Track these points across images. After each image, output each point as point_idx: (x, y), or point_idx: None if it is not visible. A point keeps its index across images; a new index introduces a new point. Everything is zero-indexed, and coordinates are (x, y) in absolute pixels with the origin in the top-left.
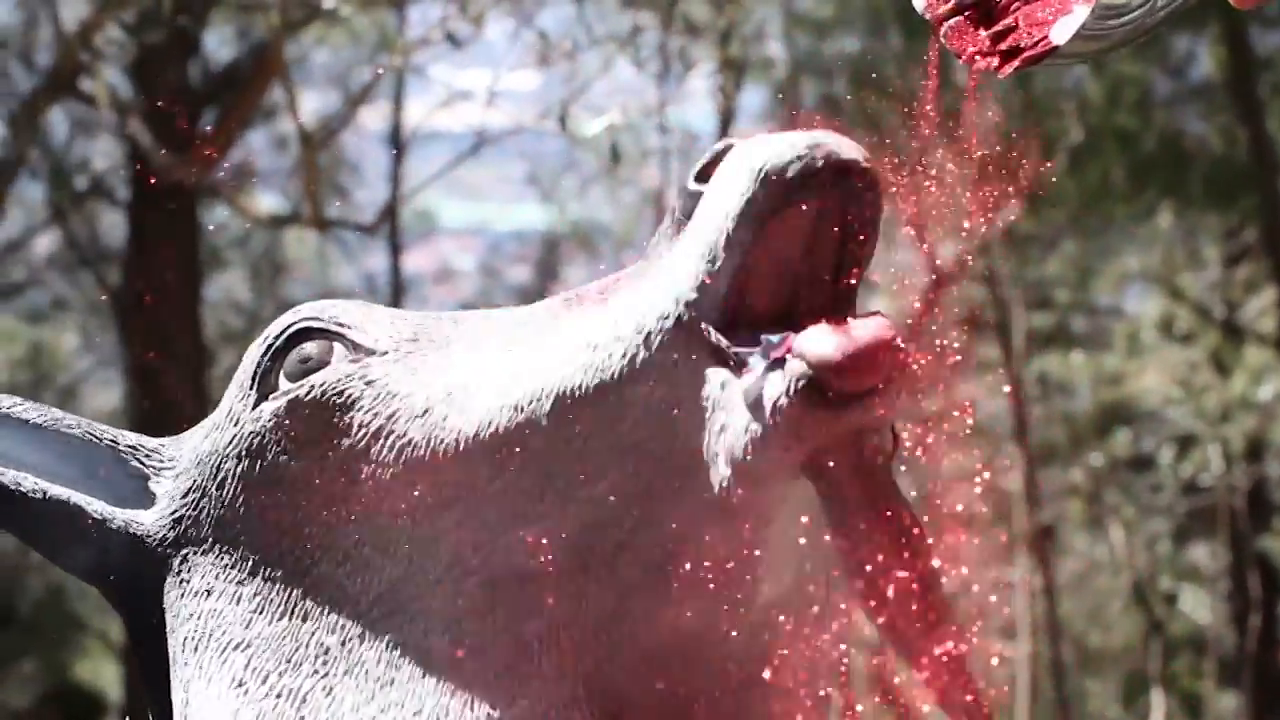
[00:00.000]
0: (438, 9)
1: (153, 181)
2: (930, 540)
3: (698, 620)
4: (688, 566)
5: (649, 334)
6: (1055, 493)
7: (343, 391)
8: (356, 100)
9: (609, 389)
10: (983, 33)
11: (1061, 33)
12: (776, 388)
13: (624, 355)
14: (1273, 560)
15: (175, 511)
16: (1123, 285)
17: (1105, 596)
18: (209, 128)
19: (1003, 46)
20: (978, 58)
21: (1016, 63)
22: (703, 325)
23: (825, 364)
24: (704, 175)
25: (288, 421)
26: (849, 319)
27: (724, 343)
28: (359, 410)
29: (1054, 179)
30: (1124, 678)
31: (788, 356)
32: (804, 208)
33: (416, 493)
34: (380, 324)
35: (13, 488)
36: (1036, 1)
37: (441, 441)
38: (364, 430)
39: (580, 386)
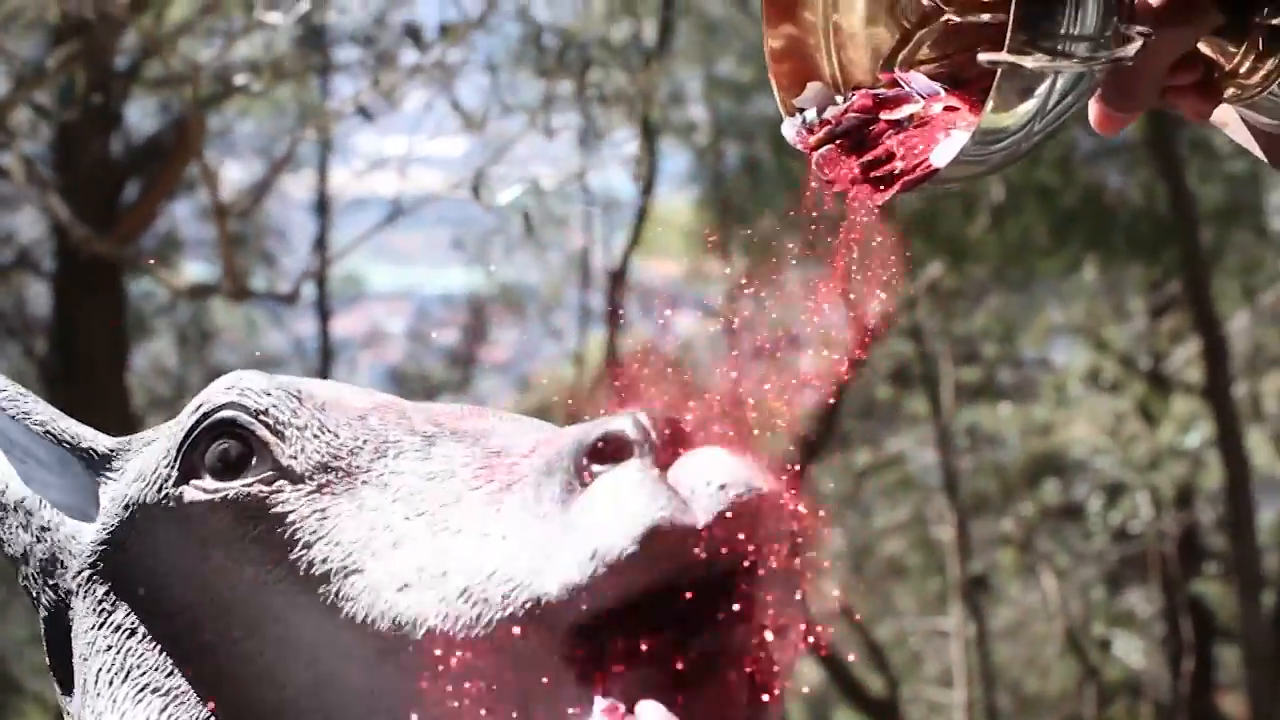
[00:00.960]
0: (361, 79)
1: (75, 254)
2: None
3: None
4: None
5: (512, 615)
6: (987, 542)
7: (254, 514)
8: (276, 169)
9: (470, 645)
10: (854, 160)
11: (942, 157)
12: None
13: (487, 624)
14: (1205, 604)
15: (103, 542)
16: (1049, 338)
17: (1040, 643)
18: (133, 200)
19: (876, 174)
20: (852, 186)
21: (895, 188)
22: (557, 629)
23: None
24: (599, 452)
25: (206, 518)
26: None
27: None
28: (265, 541)
29: (977, 235)
30: None
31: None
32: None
33: (320, 633)
34: (304, 434)
35: None
36: (910, 130)
37: (336, 611)
38: (271, 559)
39: (449, 632)
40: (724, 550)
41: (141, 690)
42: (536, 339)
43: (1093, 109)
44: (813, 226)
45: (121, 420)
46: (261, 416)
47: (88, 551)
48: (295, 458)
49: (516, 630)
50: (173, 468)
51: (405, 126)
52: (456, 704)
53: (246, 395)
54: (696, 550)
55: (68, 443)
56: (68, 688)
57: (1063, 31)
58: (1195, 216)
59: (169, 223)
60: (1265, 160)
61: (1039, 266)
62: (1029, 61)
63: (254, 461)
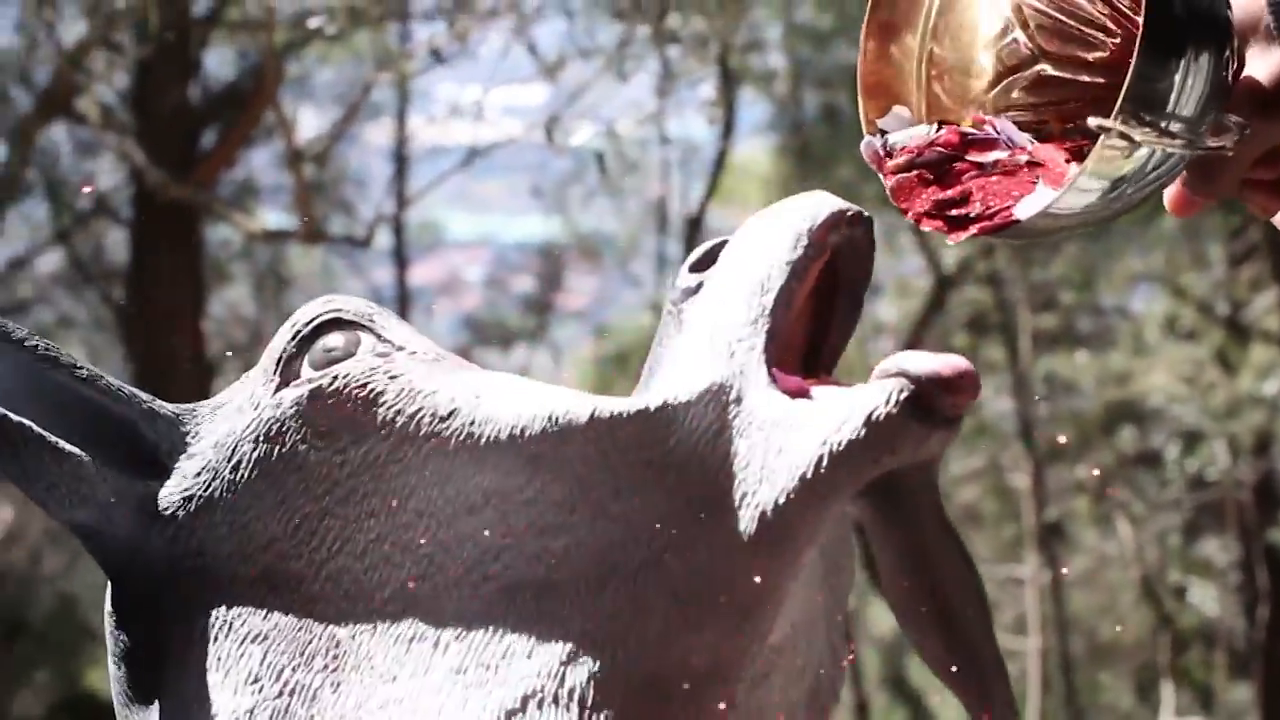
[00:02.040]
0: (439, 25)
1: (152, 201)
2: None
3: (704, 663)
4: (709, 598)
5: (700, 367)
6: (1063, 490)
7: (367, 384)
8: (351, 113)
9: (654, 404)
10: (931, 193)
11: (1025, 210)
12: (873, 400)
13: (672, 383)
14: None
15: (188, 490)
16: (1127, 286)
17: (1115, 591)
18: (210, 147)
19: (951, 212)
20: (924, 219)
21: (971, 230)
22: (759, 355)
23: (935, 379)
24: (699, 268)
25: (309, 411)
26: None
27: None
28: (383, 406)
29: None
30: (1135, 671)
31: (882, 377)
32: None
33: (442, 493)
34: (413, 336)
35: (23, 435)
36: (993, 176)
37: (471, 444)
38: (388, 427)
39: (622, 400)
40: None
41: (243, 641)
42: (614, 287)
43: (1172, 189)
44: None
45: (197, 367)
46: (364, 319)
47: (165, 503)
48: (407, 340)
49: (719, 373)
50: (270, 383)
51: (483, 74)
52: (631, 495)
53: (349, 303)
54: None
55: (127, 402)
56: (132, 656)
57: (1169, 109)
58: None
59: (246, 170)
60: None
61: None
62: (1137, 134)
63: (362, 344)
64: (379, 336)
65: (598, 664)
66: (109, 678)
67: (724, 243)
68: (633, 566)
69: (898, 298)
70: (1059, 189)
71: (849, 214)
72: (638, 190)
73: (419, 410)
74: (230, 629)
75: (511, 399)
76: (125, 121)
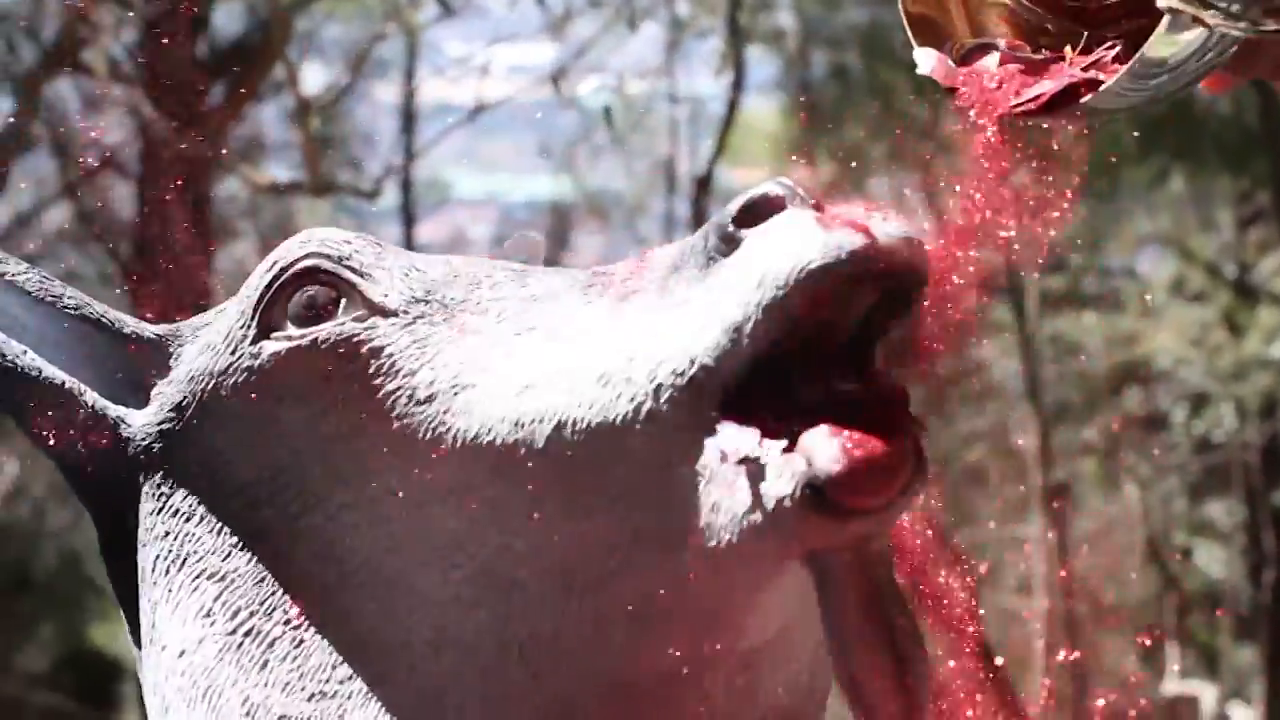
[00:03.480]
0: None
1: (160, 156)
2: (928, 654)
3: (673, 666)
4: (669, 614)
5: (659, 386)
6: (1069, 451)
7: (346, 353)
8: (357, 65)
9: (610, 433)
10: (1006, 83)
11: (1093, 87)
12: (778, 486)
13: (631, 401)
14: None
15: (164, 423)
16: (1135, 247)
17: (1121, 553)
18: (218, 102)
19: (1022, 99)
20: (993, 105)
21: (1039, 106)
22: (709, 394)
23: (830, 476)
24: (744, 217)
25: (288, 369)
26: (863, 425)
27: (728, 422)
28: (359, 379)
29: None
30: (1140, 632)
31: (794, 452)
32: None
33: (411, 477)
34: (392, 274)
35: (9, 363)
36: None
37: (441, 435)
38: (363, 401)
39: (583, 421)
40: (906, 270)
41: (197, 577)
42: (621, 246)
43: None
44: (900, 134)
45: None
46: (345, 261)
47: (142, 435)
48: (386, 295)
49: (665, 406)
50: (249, 326)
51: (491, 31)
52: (583, 516)
53: (326, 244)
54: (890, 258)
55: (108, 326)
56: (121, 584)
57: None
58: None
59: (254, 126)
60: None
61: (1126, 175)
62: (1207, 15)
63: (343, 304)
64: (361, 294)
65: (567, 666)
66: (112, 632)
67: (775, 202)
68: (593, 578)
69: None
70: (1117, 70)
71: (876, 268)
72: (646, 149)
73: (396, 390)
74: (184, 563)
75: (487, 394)
76: (133, 75)
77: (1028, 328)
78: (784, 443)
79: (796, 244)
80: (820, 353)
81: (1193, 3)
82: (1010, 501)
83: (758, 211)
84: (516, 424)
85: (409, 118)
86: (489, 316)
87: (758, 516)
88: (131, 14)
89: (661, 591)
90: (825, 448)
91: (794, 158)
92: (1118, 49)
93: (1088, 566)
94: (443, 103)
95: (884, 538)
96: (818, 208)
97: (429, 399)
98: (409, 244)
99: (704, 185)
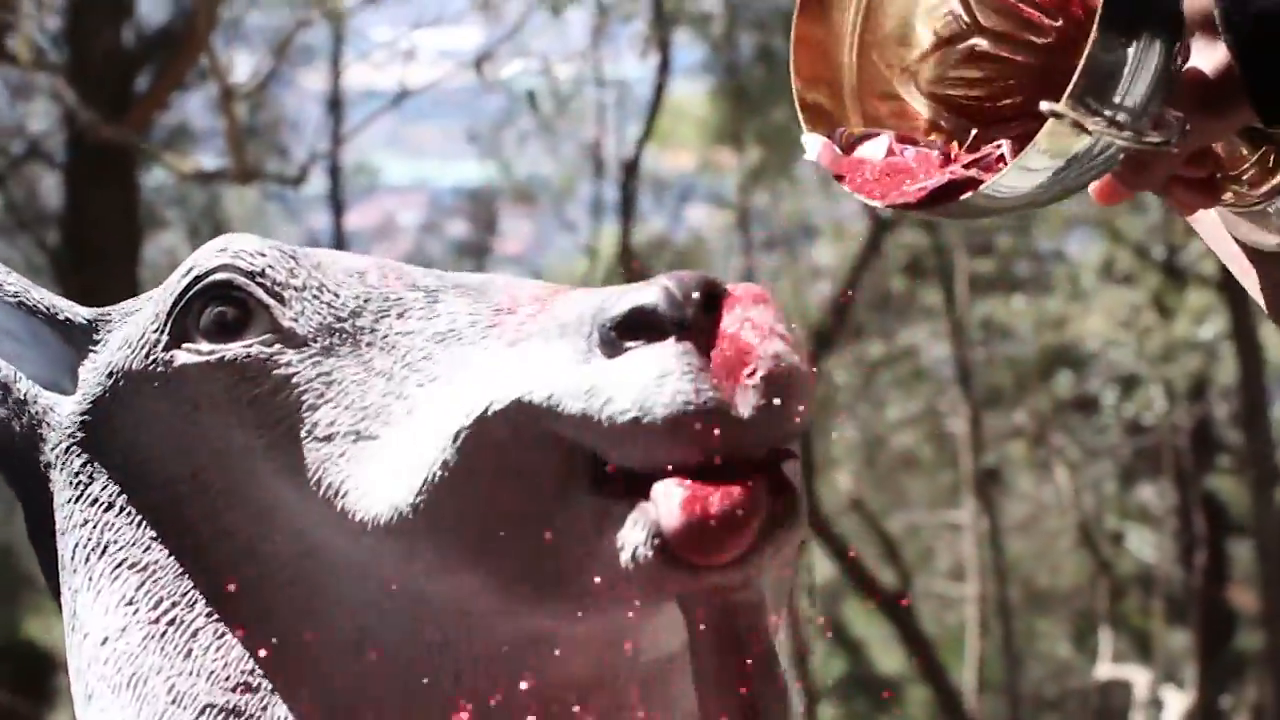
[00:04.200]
0: None
1: (86, 145)
2: (787, 706)
3: (585, 678)
4: (568, 638)
5: (532, 440)
6: (1000, 435)
7: (251, 377)
8: (281, 51)
9: (480, 483)
10: (874, 167)
11: (964, 188)
12: (634, 538)
13: (503, 454)
14: (1218, 499)
15: (84, 413)
16: (1064, 230)
17: (1052, 537)
18: (144, 90)
19: (892, 185)
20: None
21: (910, 199)
22: (578, 452)
23: (671, 533)
24: (626, 326)
25: (198, 383)
26: (717, 473)
27: (593, 472)
28: (263, 404)
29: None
30: (1073, 617)
31: (649, 502)
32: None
33: (311, 504)
34: (303, 296)
35: None
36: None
37: (335, 478)
38: (265, 426)
39: (460, 475)
40: (767, 436)
41: (119, 566)
42: (549, 231)
43: (1100, 179)
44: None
45: None
46: (258, 278)
47: (66, 423)
48: (296, 320)
49: (534, 460)
50: (162, 332)
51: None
52: (460, 567)
53: (240, 257)
54: (737, 440)
55: (42, 312)
56: (50, 571)
57: (1117, 98)
58: None
59: (180, 115)
60: (1234, 274)
61: None
62: (1088, 122)
63: (252, 324)
64: (271, 316)
65: (486, 671)
66: (46, 625)
67: (656, 320)
68: (482, 615)
69: (835, 241)
70: (1000, 170)
71: (693, 444)
72: (572, 134)
73: (296, 424)
74: (105, 551)
75: (381, 449)
76: (58, 63)
77: (957, 311)
78: (642, 496)
79: (649, 397)
80: None
81: (1078, 109)
82: (942, 486)
83: (642, 324)
84: (402, 478)
85: (335, 104)
86: (394, 355)
87: (622, 566)
88: (57, 1)
89: (545, 630)
90: (666, 502)
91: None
92: (1003, 149)
93: (1020, 551)
94: (369, 88)
95: (750, 585)
96: (702, 328)
97: (328, 438)
98: (338, 231)
99: (631, 169)
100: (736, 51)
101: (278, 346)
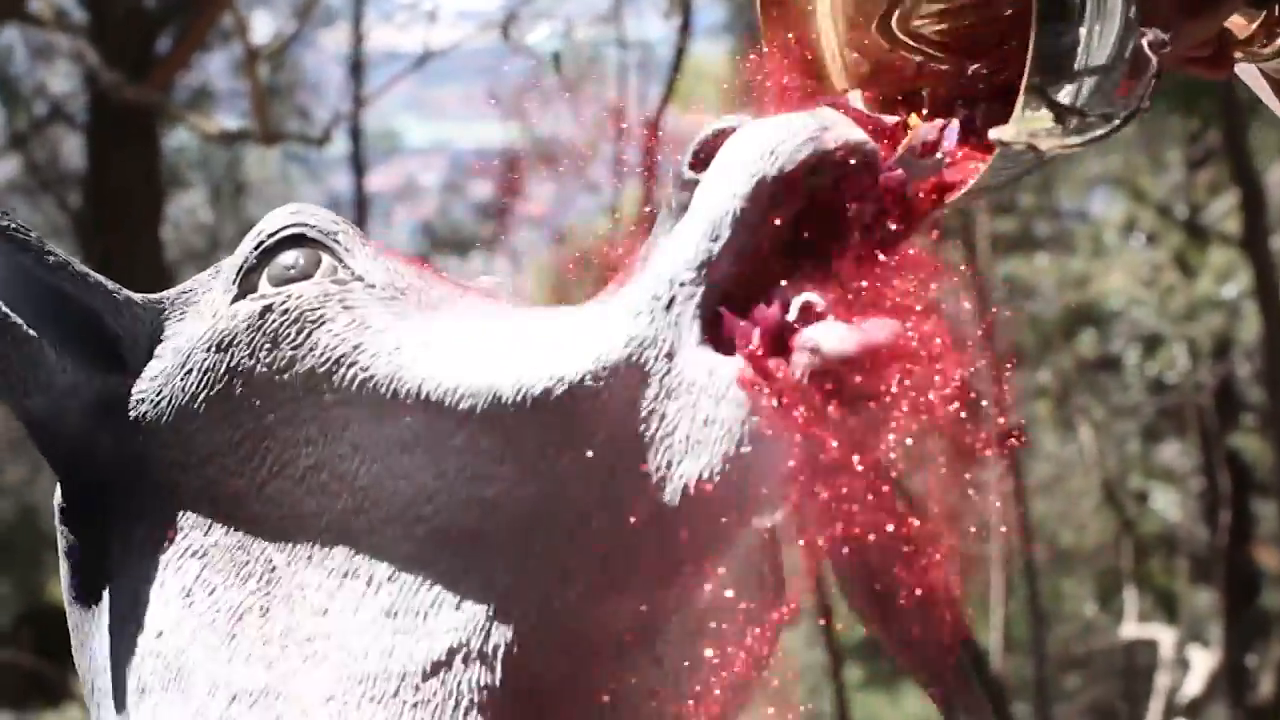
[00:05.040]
0: None
1: (109, 106)
2: (922, 551)
3: (632, 617)
4: (634, 563)
5: (639, 313)
6: (1023, 394)
7: (318, 309)
8: (302, 13)
9: (587, 374)
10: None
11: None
12: (780, 380)
13: (607, 340)
14: (1243, 458)
15: (141, 391)
16: (1086, 189)
17: (1077, 497)
18: (166, 51)
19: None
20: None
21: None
22: (696, 308)
23: (842, 359)
24: (699, 160)
25: (260, 327)
26: (859, 320)
27: (711, 329)
28: (329, 333)
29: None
30: (1097, 576)
31: (794, 349)
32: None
33: (377, 428)
34: (375, 263)
35: None
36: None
37: (407, 384)
38: (331, 354)
39: (557, 365)
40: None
41: (181, 555)
42: (571, 192)
43: None
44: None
45: (155, 272)
46: (331, 236)
47: (123, 401)
48: (369, 271)
49: (643, 336)
50: (229, 291)
51: None
52: (560, 456)
53: (315, 217)
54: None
55: (93, 287)
56: (77, 555)
57: (1078, 67)
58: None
59: (202, 75)
60: None
61: None
62: (1043, 140)
63: (319, 272)
64: (340, 261)
65: (522, 622)
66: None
67: (723, 134)
68: (558, 526)
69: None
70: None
71: (835, 153)
72: (595, 95)
73: (362, 344)
74: (170, 542)
75: (459, 348)
76: (80, 24)
77: (979, 270)
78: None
79: (759, 138)
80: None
81: (1052, 108)
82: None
83: (710, 152)
84: (488, 372)
85: (357, 65)
86: (457, 314)
87: (749, 424)
88: None
89: (631, 537)
90: (831, 335)
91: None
92: (956, 123)
93: (1044, 511)
94: (391, 50)
95: (878, 440)
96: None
97: (396, 348)
98: (360, 192)
99: (654, 131)
100: (757, 12)
101: (348, 284)
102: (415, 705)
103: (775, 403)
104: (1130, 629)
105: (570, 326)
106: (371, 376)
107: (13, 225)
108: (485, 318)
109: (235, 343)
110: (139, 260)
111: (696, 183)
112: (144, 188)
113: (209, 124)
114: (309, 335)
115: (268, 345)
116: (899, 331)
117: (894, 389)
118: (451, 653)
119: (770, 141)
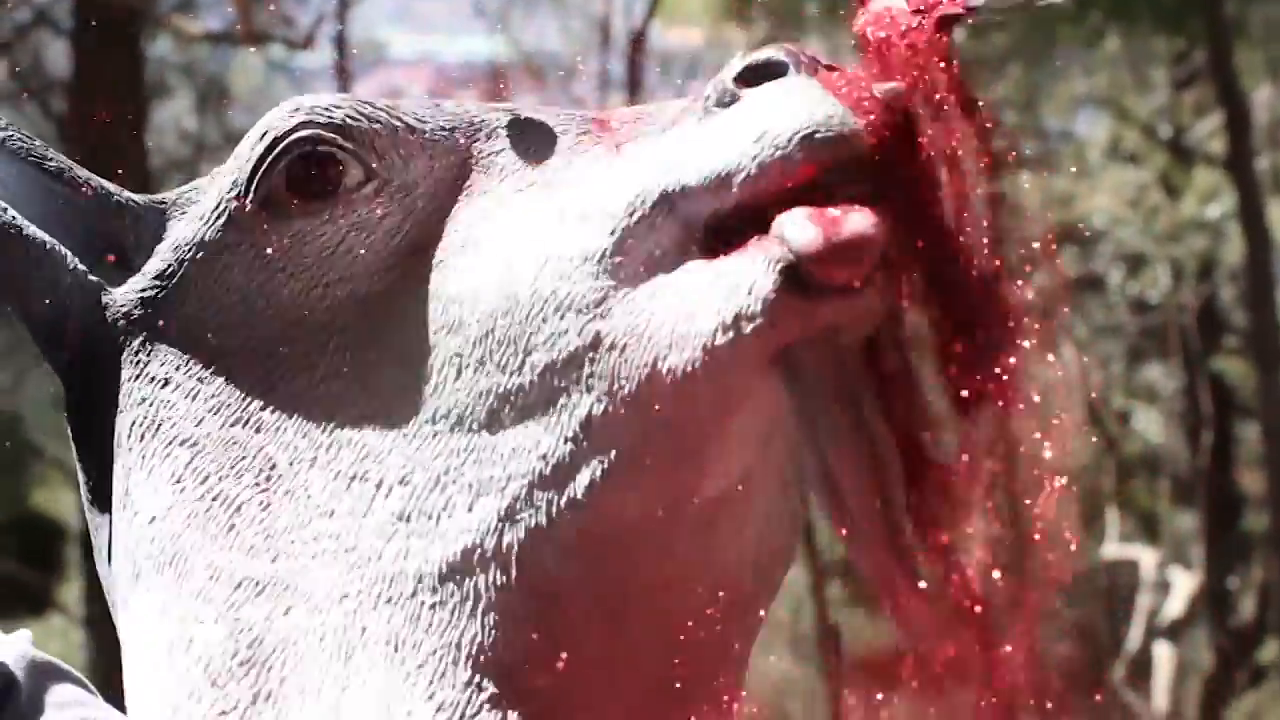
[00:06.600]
0: None
1: (93, 11)
2: (908, 458)
3: (640, 507)
4: (636, 453)
5: (641, 218)
6: None
7: (350, 225)
8: None
9: (590, 267)
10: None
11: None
12: (751, 271)
13: (611, 233)
14: (1225, 380)
15: (145, 290)
16: (1071, 108)
17: (1059, 416)
18: None
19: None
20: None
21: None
22: (689, 221)
23: (807, 250)
24: (746, 78)
25: (294, 246)
26: (833, 208)
27: (706, 238)
28: (361, 246)
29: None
30: (1079, 497)
31: (768, 240)
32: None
33: (404, 338)
34: (388, 138)
35: None
36: None
37: (439, 293)
38: (366, 265)
39: (566, 258)
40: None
41: (170, 443)
42: (557, 106)
43: None
44: None
45: (139, 179)
46: (341, 130)
47: (123, 301)
48: (385, 158)
49: (641, 232)
50: (244, 199)
51: None
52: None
53: (317, 113)
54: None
55: (94, 192)
56: (86, 454)
57: None
58: None
59: None
60: None
61: (1062, 35)
62: None
63: (345, 178)
64: (366, 165)
65: (534, 521)
66: (54, 496)
67: (776, 67)
68: (573, 421)
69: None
70: None
71: (844, 136)
72: (581, 8)
73: (396, 254)
74: (159, 429)
75: (487, 252)
76: None
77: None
78: (755, 239)
79: (803, 108)
80: None
81: None
82: None
83: (761, 75)
84: (508, 265)
85: None
86: (492, 174)
87: (733, 309)
88: None
89: (637, 421)
90: (797, 225)
91: (728, 17)
92: None
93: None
94: None
95: (857, 328)
96: (821, 77)
97: (440, 263)
98: None
99: (639, 44)
100: None
101: (372, 188)
102: (433, 607)
103: (753, 301)
104: (1112, 550)
105: (577, 216)
106: (406, 284)
107: (15, 134)
108: (514, 186)
109: (257, 254)
110: (123, 166)
111: (735, 96)
112: (128, 93)
113: (193, 25)
114: (340, 256)
115: (303, 264)
116: (870, 223)
117: (865, 283)
118: (467, 554)
119: (815, 121)
